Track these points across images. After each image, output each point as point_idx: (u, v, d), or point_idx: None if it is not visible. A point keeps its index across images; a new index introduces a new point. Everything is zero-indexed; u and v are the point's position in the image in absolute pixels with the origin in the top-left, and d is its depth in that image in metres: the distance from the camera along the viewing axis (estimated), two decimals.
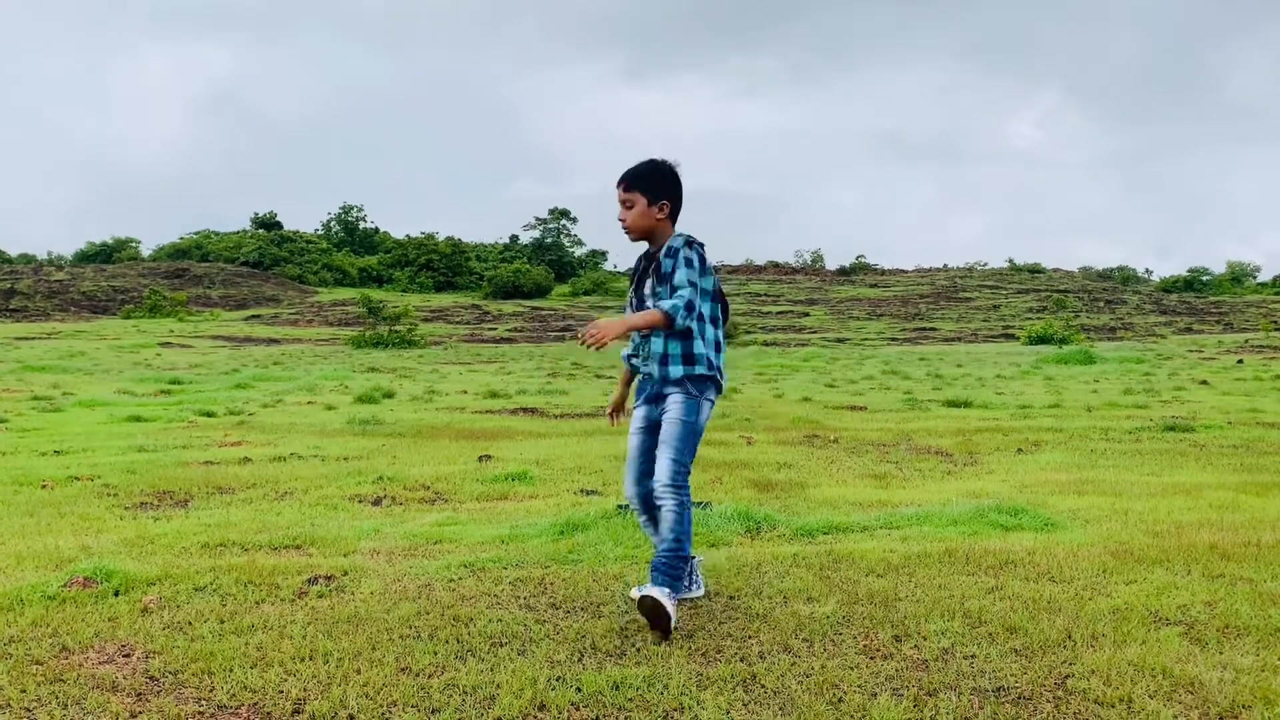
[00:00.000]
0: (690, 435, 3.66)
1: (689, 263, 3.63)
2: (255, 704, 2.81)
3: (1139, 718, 2.67)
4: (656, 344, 3.76)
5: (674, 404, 3.70)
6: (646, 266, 3.79)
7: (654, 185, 3.73)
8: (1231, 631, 3.41)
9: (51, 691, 2.87)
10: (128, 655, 3.20)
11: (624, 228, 3.78)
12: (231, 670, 3.04)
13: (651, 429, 3.81)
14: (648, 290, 3.75)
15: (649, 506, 3.78)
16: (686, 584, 3.79)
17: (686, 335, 3.70)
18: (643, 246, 3.86)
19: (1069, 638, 3.34)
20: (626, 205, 3.76)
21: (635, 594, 3.56)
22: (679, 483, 3.62)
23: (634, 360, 3.91)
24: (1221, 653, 3.19)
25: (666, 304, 3.58)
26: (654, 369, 3.77)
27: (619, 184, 3.77)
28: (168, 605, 3.74)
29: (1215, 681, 2.92)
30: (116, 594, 3.86)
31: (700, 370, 3.70)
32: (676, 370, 3.71)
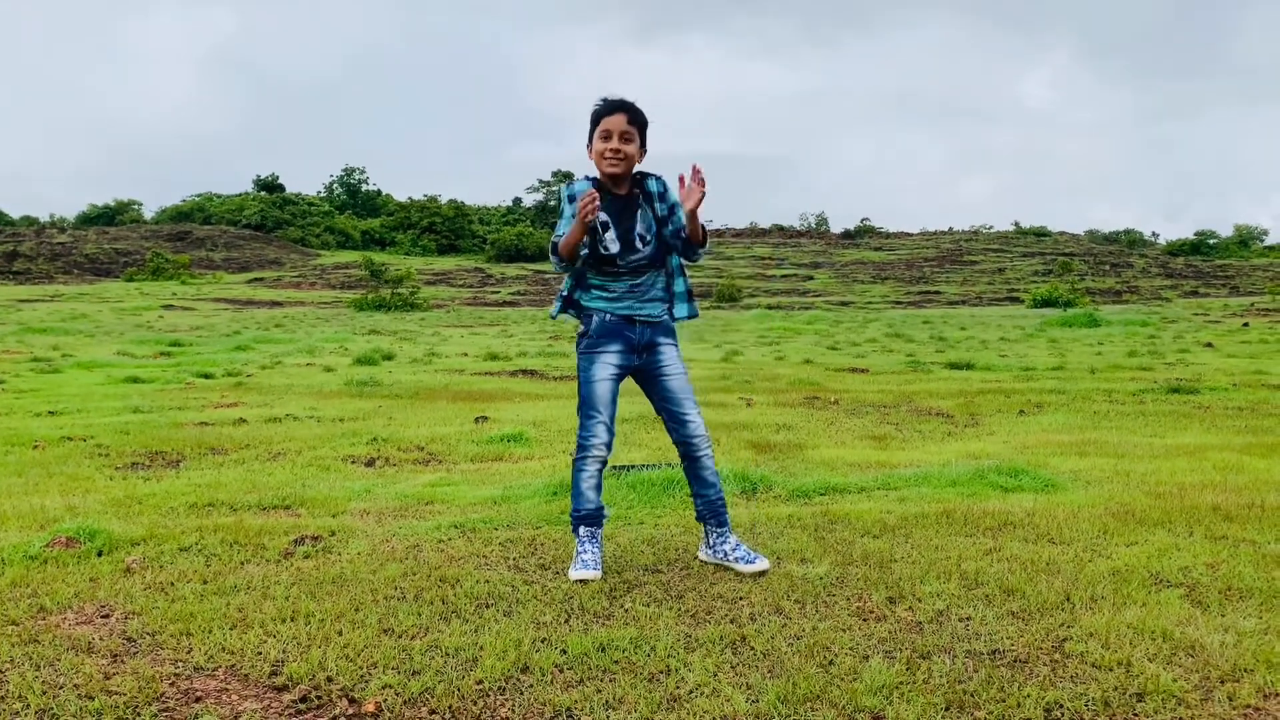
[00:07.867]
0: None
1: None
2: (232, 665, 2.75)
3: (1138, 681, 2.60)
4: (660, 281, 3.55)
5: (673, 359, 3.60)
6: (626, 205, 3.48)
7: (646, 130, 3.51)
8: (1234, 594, 3.33)
9: (25, 653, 2.81)
10: (106, 616, 3.14)
11: (617, 159, 3.38)
12: (211, 631, 2.98)
13: (623, 378, 3.61)
14: (641, 225, 3.47)
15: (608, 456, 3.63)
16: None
17: (683, 271, 3.61)
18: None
19: (1067, 600, 3.26)
20: (627, 139, 3.39)
21: (748, 569, 3.59)
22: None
23: (615, 307, 3.52)
24: (1223, 615, 3.11)
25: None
26: (653, 310, 3.55)
27: (620, 111, 3.38)
28: (151, 565, 3.68)
29: (1216, 645, 2.84)
30: (99, 554, 3.80)
31: (696, 310, 3.64)
32: (683, 309, 3.58)
